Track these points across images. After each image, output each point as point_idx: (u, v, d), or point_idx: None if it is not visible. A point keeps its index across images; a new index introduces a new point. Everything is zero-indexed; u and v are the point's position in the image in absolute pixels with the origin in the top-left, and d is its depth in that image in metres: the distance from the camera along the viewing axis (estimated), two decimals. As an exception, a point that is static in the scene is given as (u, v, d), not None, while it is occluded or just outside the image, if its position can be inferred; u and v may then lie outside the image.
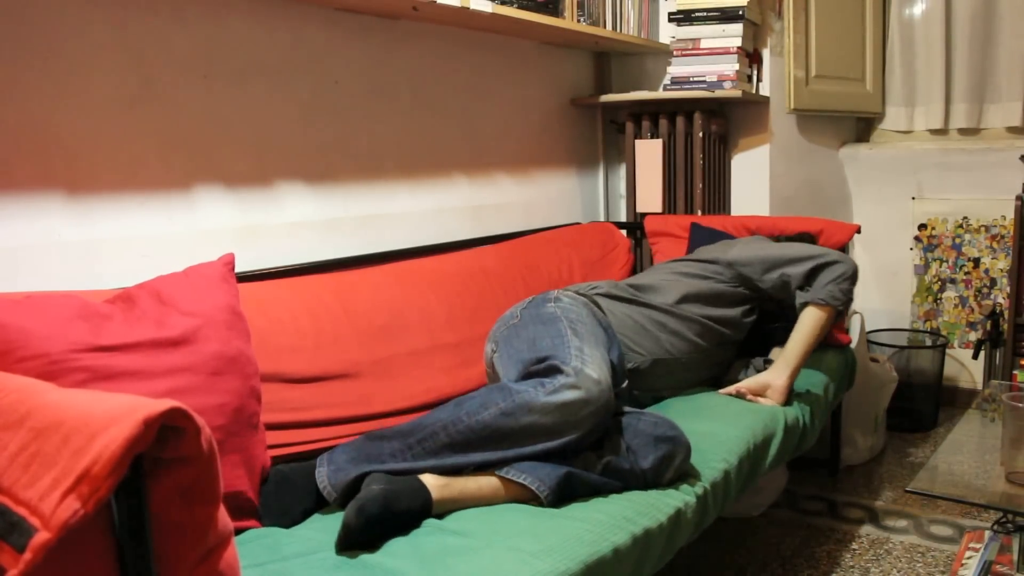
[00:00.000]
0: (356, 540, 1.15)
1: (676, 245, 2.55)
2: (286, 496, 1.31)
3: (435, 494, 1.26)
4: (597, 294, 1.87)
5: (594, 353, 1.48)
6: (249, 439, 1.32)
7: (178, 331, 1.25)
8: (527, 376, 1.41)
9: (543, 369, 1.40)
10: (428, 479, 1.28)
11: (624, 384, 1.74)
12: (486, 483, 1.31)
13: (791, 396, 1.84)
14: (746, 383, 1.85)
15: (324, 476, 1.32)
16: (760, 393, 1.83)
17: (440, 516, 1.27)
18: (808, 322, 1.86)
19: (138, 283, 1.35)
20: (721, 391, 1.87)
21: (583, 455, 1.36)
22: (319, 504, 1.33)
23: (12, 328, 1.12)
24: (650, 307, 1.87)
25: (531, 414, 1.32)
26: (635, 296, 1.90)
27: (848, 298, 1.88)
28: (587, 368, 1.39)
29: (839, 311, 1.89)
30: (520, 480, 1.30)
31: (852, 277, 1.89)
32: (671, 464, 1.39)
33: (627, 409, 1.49)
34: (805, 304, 1.88)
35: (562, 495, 1.31)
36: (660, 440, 1.39)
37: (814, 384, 2.00)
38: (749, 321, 1.98)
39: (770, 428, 1.71)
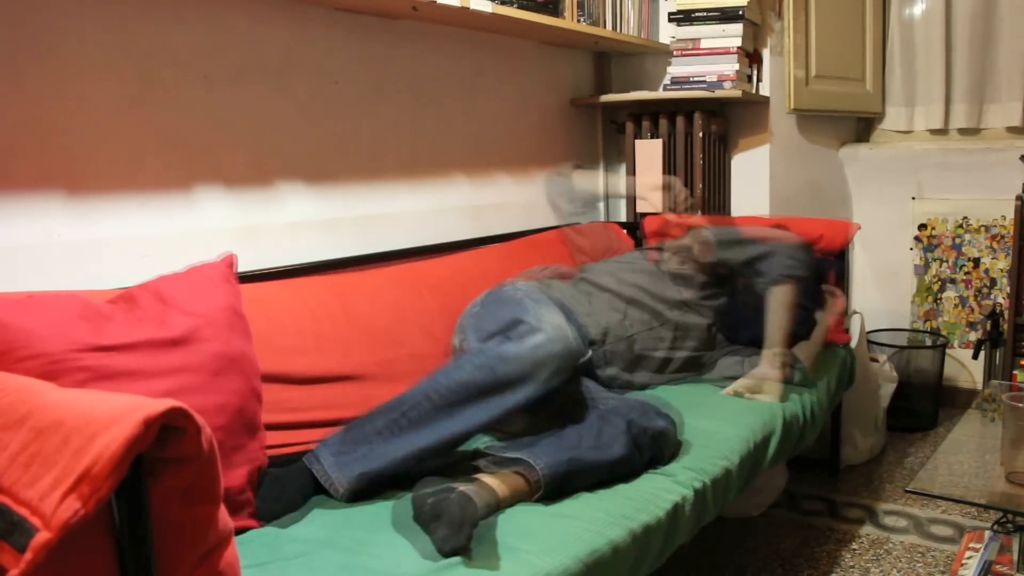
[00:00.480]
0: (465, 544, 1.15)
1: (676, 245, 2.55)
2: (283, 494, 1.31)
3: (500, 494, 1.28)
4: (547, 276, 2.01)
5: (552, 309, 1.58)
6: (249, 439, 1.32)
7: (179, 331, 1.25)
8: (492, 337, 1.48)
9: (507, 325, 1.47)
10: (485, 478, 1.28)
11: (588, 355, 1.79)
12: (498, 481, 1.32)
13: (788, 390, 1.87)
14: (742, 382, 1.87)
15: (326, 472, 1.32)
16: (757, 390, 1.85)
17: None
18: (774, 303, 1.94)
19: (139, 283, 1.35)
20: (722, 392, 1.88)
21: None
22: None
23: (13, 328, 1.12)
24: (594, 285, 1.98)
25: (505, 363, 1.37)
26: (582, 277, 2.03)
27: (806, 261, 1.98)
28: (546, 317, 1.47)
29: (802, 279, 1.97)
30: (511, 455, 1.32)
31: (802, 247, 2.00)
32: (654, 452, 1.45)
33: (600, 394, 1.55)
34: (766, 288, 1.96)
35: (562, 484, 1.32)
36: (633, 434, 1.42)
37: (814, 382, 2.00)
38: (708, 304, 2.05)
39: (769, 426, 1.71)
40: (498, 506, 1.26)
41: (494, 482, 1.28)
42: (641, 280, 2.03)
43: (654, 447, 1.44)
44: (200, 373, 1.24)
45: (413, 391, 1.40)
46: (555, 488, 1.31)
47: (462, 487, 1.22)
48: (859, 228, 2.39)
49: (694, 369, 2.00)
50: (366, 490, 1.32)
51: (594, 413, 1.48)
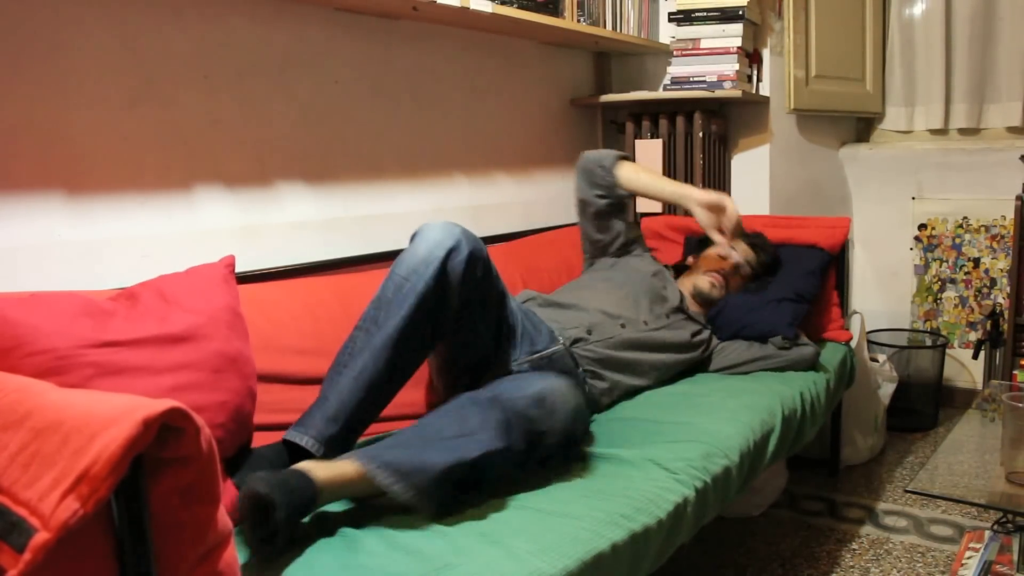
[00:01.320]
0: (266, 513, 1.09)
1: (670, 249, 2.55)
2: (260, 468, 1.29)
3: (320, 475, 1.18)
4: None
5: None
6: (245, 439, 1.32)
7: (181, 327, 1.25)
8: None
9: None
10: (307, 465, 1.19)
11: (560, 347, 1.74)
12: (353, 470, 1.22)
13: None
14: (712, 230, 2.01)
15: (306, 440, 1.33)
16: (719, 225, 2.00)
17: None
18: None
19: (139, 282, 1.35)
20: (718, 249, 2.09)
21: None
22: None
23: (21, 324, 1.12)
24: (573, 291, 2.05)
25: (400, 264, 1.48)
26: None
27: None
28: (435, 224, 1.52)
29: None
30: (383, 482, 1.20)
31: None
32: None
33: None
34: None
35: (441, 498, 1.21)
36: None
37: (814, 379, 2.00)
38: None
39: (768, 424, 1.71)
40: (314, 498, 1.16)
41: (316, 465, 1.20)
42: (634, 282, 2.05)
43: (530, 437, 1.31)
44: (202, 370, 1.24)
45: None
46: (425, 496, 1.19)
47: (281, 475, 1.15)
48: (850, 220, 2.40)
49: (687, 359, 1.99)
50: (340, 438, 1.35)
51: (469, 395, 1.37)
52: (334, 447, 1.34)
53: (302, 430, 1.34)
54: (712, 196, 2.02)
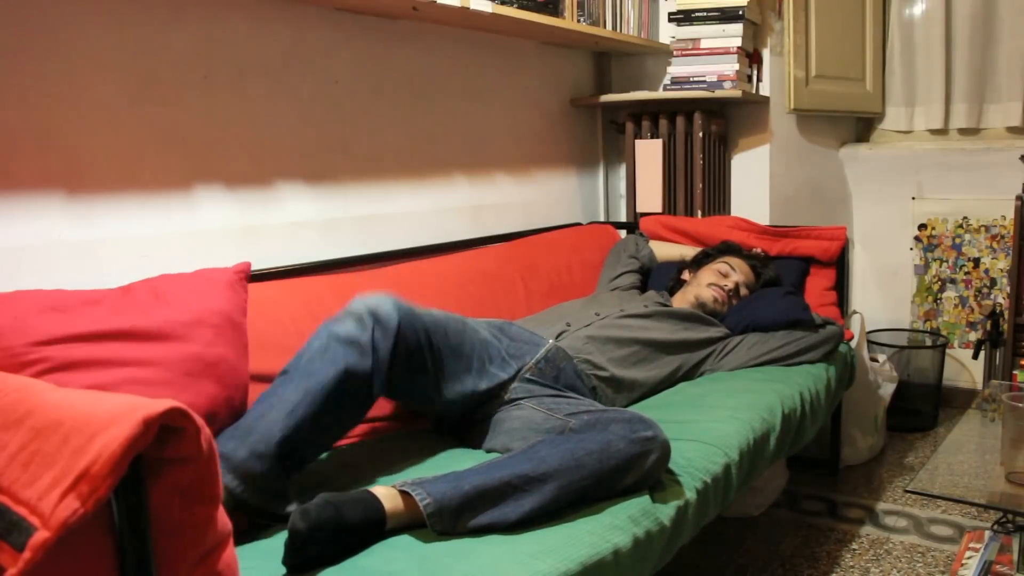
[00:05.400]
0: (304, 550, 1.07)
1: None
2: None
3: (387, 505, 1.17)
4: None
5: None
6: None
7: (156, 324, 1.25)
8: None
9: None
10: (380, 491, 1.18)
11: (551, 345, 1.71)
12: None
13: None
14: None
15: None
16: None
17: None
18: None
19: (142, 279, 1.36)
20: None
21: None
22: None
23: None
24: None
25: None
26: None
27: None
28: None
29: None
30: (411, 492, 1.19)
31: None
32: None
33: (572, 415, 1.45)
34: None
35: (460, 511, 1.18)
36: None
37: (815, 378, 2.00)
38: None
39: (768, 422, 1.71)
40: (380, 524, 1.16)
41: (390, 492, 1.19)
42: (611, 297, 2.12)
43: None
44: (169, 370, 1.23)
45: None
46: (448, 519, 1.18)
47: (348, 496, 1.15)
48: (846, 230, 2.42)
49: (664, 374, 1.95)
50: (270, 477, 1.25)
51: (545, 439, 1.34)
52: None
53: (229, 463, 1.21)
54: None
